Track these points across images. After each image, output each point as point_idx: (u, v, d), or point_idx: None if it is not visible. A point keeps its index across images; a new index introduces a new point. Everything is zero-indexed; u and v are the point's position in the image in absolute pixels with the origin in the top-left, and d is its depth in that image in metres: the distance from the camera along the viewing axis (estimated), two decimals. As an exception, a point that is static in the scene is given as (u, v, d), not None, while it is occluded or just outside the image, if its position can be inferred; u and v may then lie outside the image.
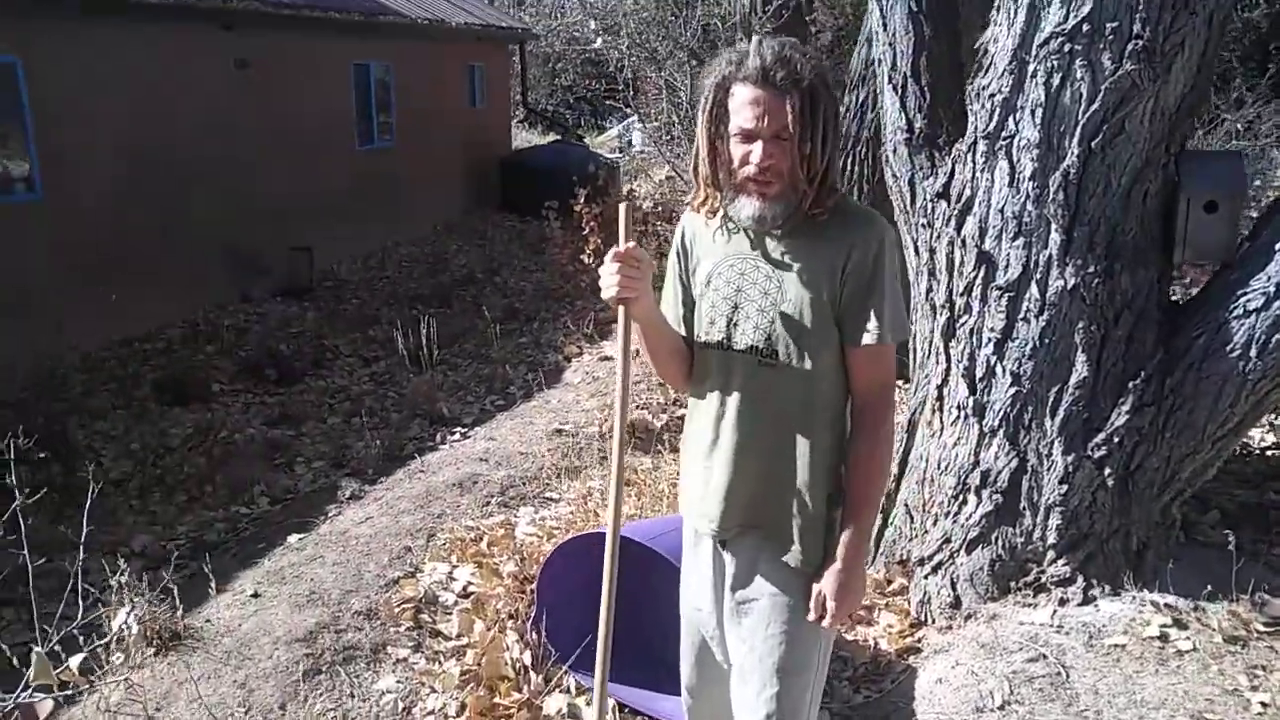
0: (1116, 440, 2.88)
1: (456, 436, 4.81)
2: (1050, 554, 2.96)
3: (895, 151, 3.74)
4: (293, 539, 3.54)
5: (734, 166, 1.75)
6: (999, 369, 2.98)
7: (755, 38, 1.76)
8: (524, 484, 3.87)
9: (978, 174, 3.05)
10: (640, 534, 2.72)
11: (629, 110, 12.07)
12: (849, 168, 6.17)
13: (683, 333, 1.94)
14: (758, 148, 1.70)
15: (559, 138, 17.28)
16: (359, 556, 3.25)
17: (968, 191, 3.09)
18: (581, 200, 8.03)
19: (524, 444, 4.41)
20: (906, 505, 3.36)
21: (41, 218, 6.65)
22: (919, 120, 3.67)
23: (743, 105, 1.71)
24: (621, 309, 1.75)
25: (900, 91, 3.75)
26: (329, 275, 9.65)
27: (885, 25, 3.82)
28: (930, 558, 3.16)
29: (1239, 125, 8.30)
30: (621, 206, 1.75)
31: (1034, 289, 2.91)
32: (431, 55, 12.76)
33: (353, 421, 5.55)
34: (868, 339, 1.78)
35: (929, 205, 3.50)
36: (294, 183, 9.45)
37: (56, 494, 4.44)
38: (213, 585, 3.09)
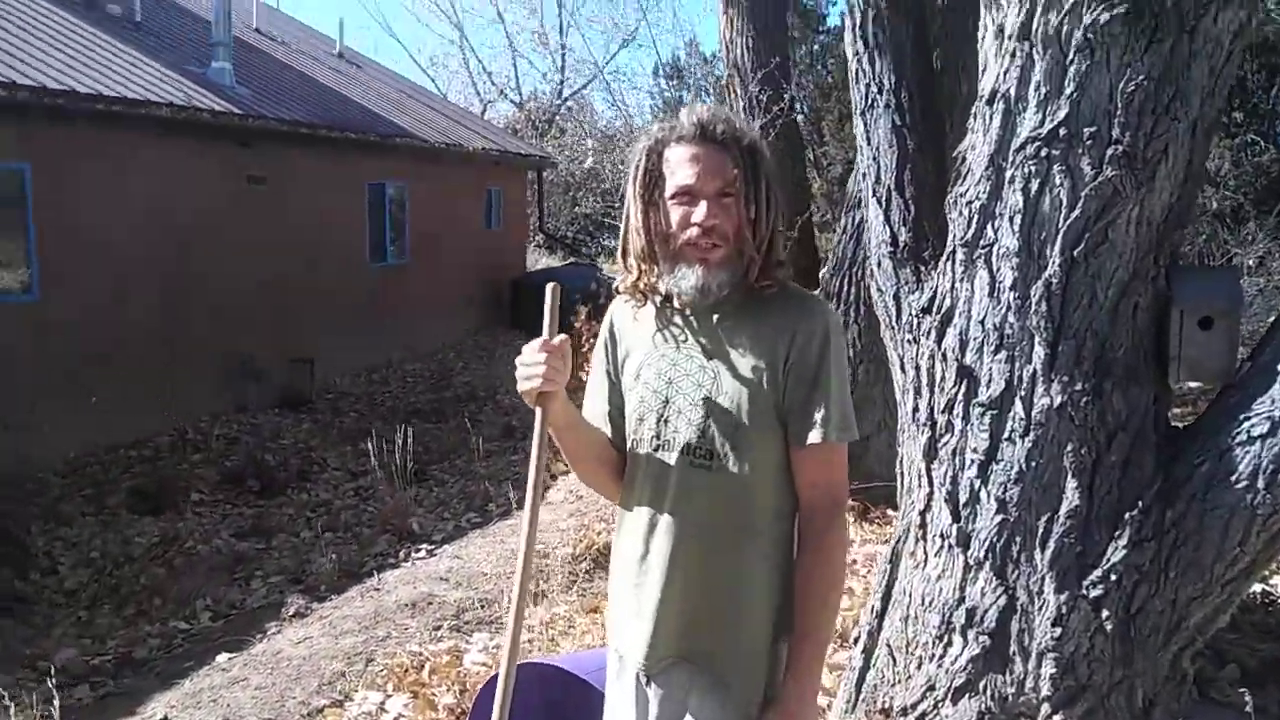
0: (1114, 578, 2.60)
1: (422, 554, 4.56)
2: (1045, 707, 2.64)
3: (880, 265, 3.61)
4: (222, 658, 3.28)
5: (673, 232, 1.59)
6: (983, 494, 2.74)
7: (686, 105, 1.63)
8: (482, 607, 3.60)
9: (957, 284, 2.89)
10: (583, 667, 2.44)
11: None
12: (844, 289, 6.05)
13: (609, 434, 1.74)
14: (700, 207, 1.55)
15: (574, 261, 17.53)
16: (286, 681, 2.97)
17: (947, 302, 2.92)
18: (581, 317, 7.95)
19: (491, 564, 4.16)
20: (889, 645, 3.06)
21: (35, 319, 6.64)
22: (903, 233, 3.56)
23: (681, 163, 1.58)
24: (539, 408, 1.56)
25: (884, 205, 3.65)
26: (330, 387, 9.57)
27: (869, 139, 3.76)
28: (914, 706, 2.84)
29: (1250, 261, 8.19)
30: (548, 289, 1.59)
31: (1018, 406, 2.69)
32: (448, 177, 13.05)
33: (325, 536, 5.31)
34: (813, 437, 1.58)
35: (914, 320, 3.34)
36: (302, 296, 9.49)
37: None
38: (125, 709, 2.81)
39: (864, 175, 3.78)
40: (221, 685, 2.93)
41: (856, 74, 3.81)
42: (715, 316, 1.64)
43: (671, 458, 1.63)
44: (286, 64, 12.09)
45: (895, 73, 3.72)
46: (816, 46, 16.12)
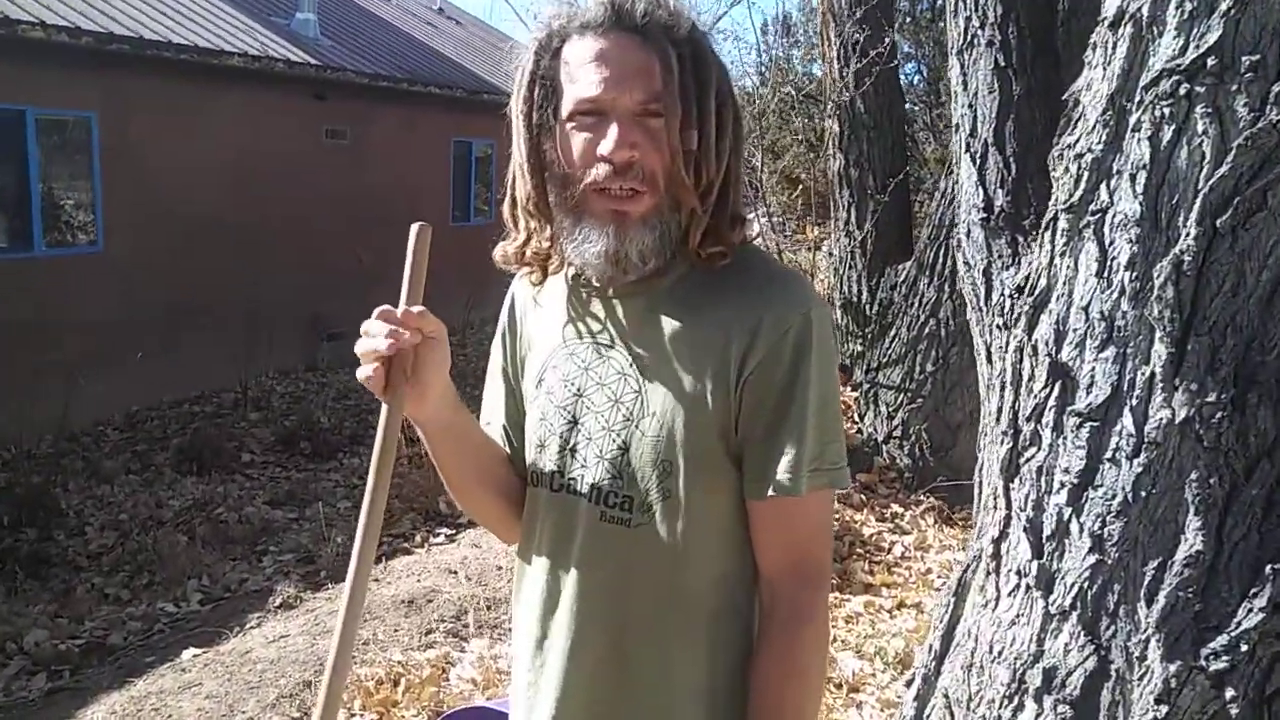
0: (1244, 648, 2.01)
1: (440, 539, 4.22)
2: (1141, 803, 2.07)
3: (969, 234, 3.05)
4: (187, 654, 3.00)
5: (572, 170, 1.09)
6: (1074, 526, 2.17)
7: None
8: (488, 608, 3.21)
9: (1056, 259, 2.31)
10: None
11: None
12: (939, 260, 5.41)
13: (508, 452, 1.28)
14: (611, 132, 1.06)
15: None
16: (242, 689, 2.65)
17: (1043, 282, 2.34)
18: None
19: (509, 557, 3.77)
20: (947, 695, 2.54)
21: (99, 270, 6.58)
22: (1000, 197, 2.99)
23: (583, 65, 1.07)
24: (386, 404, 1.08)
25: (979, 162, 3.08)
26: (407, 349, 9.39)
27: (965, 83, 3.18)
28: (973, 776, 2.31)
29: None
30: (413, 231, 1.10)
31: (1127, 419, 2.11)
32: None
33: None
34: (775, 486, 1.08)
35: (1006, 301, 2.78)
36: (380, 253, 9.28)
37: (20, 563, 4.07)
38: (66, 711, 2.53)
39: (956, 127, 3.20)
40: (171, 690, 2.65)
41: (955, 5, 3.21)
42: (643, 300, 1.14)
43: (579, 505, 1.16)
44: (379, 18, 11.91)
45: (1003, 3, 3.11)
46: (939, 2, 15.11)
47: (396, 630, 2.99)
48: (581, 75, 1.06)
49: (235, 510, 4.78)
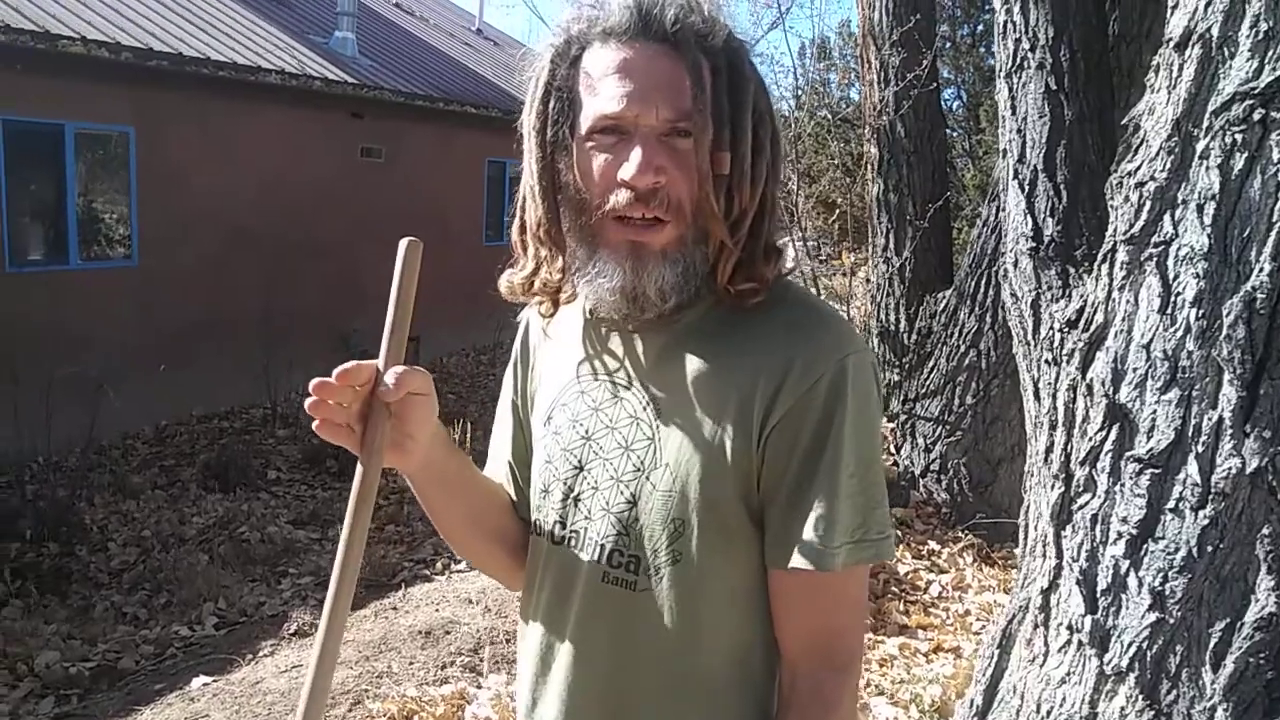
0: (1323, 721, 1.84)
1: (462, 566, 4.11)
2: None
3: (1017, 264, 2.92)
4: (197, 683, 2.91)
5: (588, 195, 0.97)
6: (1132, 580, 2.03)
7: None
8: (507, 641, 3.10)
9: (1114, 293, 2.17)
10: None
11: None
12: (979, 289, 5.25)
13: (511, 495, 1.18)
14: (634, 154, 0.92)
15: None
16: (249, 723, 2.55)
17: (1099, 317, 2.21)
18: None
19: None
20: (991, 755, 2.38)
21: (134, 284, 6.60)
22: (1050, 226, 2.86)
23: (605, 76, 0.94)
24: (361, 462, 0.93)
25: (1027, 189, 2.96)
26: (435, 367, 9.36)
27: (1014, 107, 3.06)
28: (1018, 845, 2.16)
29: None
30: (401, 247, 0.97)
31: (1192, 467, 1.97)
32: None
33: (385, 530, 4.96)
34: (801, 559, 0.94)
35: (1056, 335, 2.65)
36: (411, 272, 9.29)
37: (40, 579, 4.02)
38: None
39: (1004, 153, 3.07)
40: (176, 722, 2.56)
41: (1004, 27, 3.09)
42: (664, 337, 1.02)
43: (580, 562, 1.03)
44: (417, 37, 11.98)
45: (1055, 25, 2.99)
46: (980, 27, 14.98)
47: (412, 663, 2.88)
48: (602, 89, 0.93)
49: (258, 529, 4.72)
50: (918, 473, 5.39)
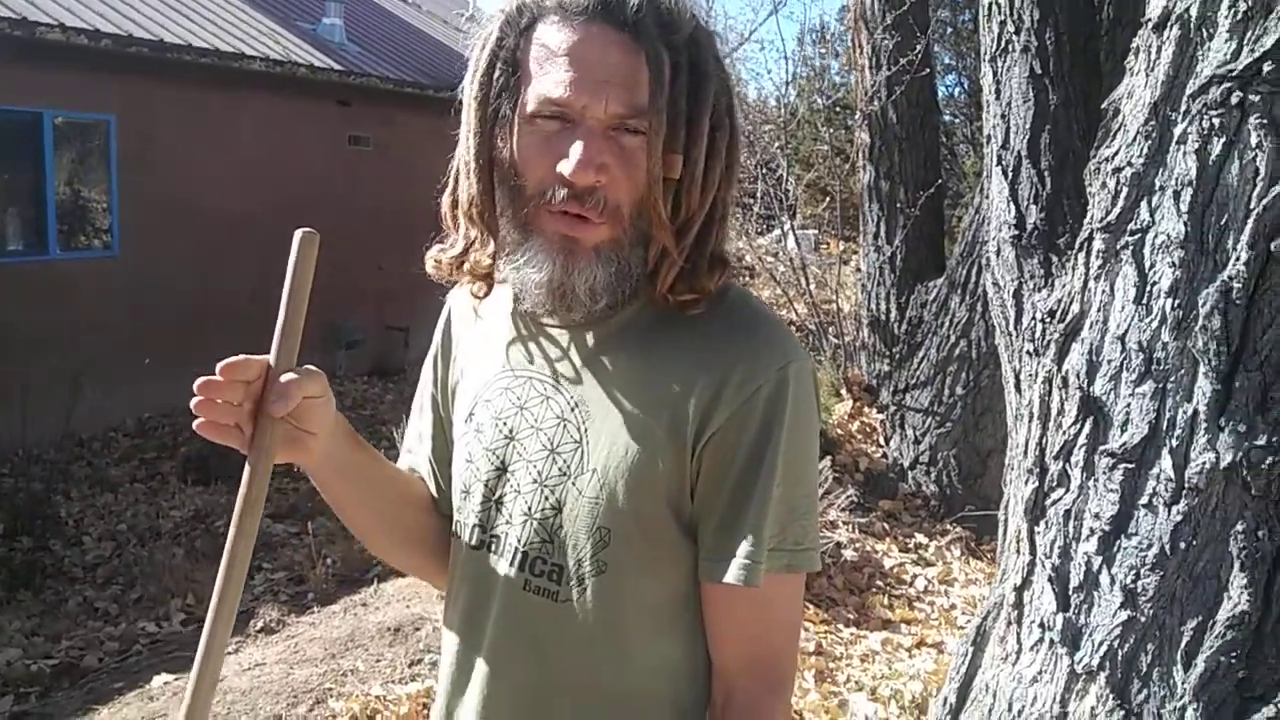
0: (1298, 723, 1.79)
1: (439, 560, 4.06)
2: None
3: (999, 253, 2.88)
4: (157, 681, 2.86)
5: (524, 183, 0.91)
6: (1104, 578, 1.98)
7: None
8: (480, 638, 3.05)
9: (1090, 282, 2.12)
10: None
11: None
12: (970, 278, 5.19)
13: (432, 492, 1.12)
14: (576, 147, 0.86)
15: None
16: (210, 722, 2.50)
17: (1075, 307, 2.15)
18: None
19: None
20: (963, 754, 2.34)
21: (115, 276, 6.53)
22: (1033, 213, 2.82)
23: (554, 56, 0.88)
24: (249, 461, 0.88)
25: (1010, 175, 2.91)
26: (424, 357, 9.31)
27: (998, 92, 3.01)
28: (990, 846, 2.12)
29: None
30: (296, 239, 0.93)
31: (1166, 462, 1.92)
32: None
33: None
34: (735, 572, 0.90)
35: (1037, 325, 2.60)
36: (401, 260, 9.22)
37: (13, 573, 3.98)
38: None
39: (988, 138, 3.02)
40: (133, 722, 2.51)
41: (990, 10, 3.04)
42: (593, 335, 0.96)
43: (500, 568, 0.98)
44: (407, 23, 11.87)
45: (1041, 7, 2.94)
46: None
47: (379, 661, 2.83)
48: (551, 70, 0.87)
49: (236, 523, 4.64)
50: (906, 465, 5.34)
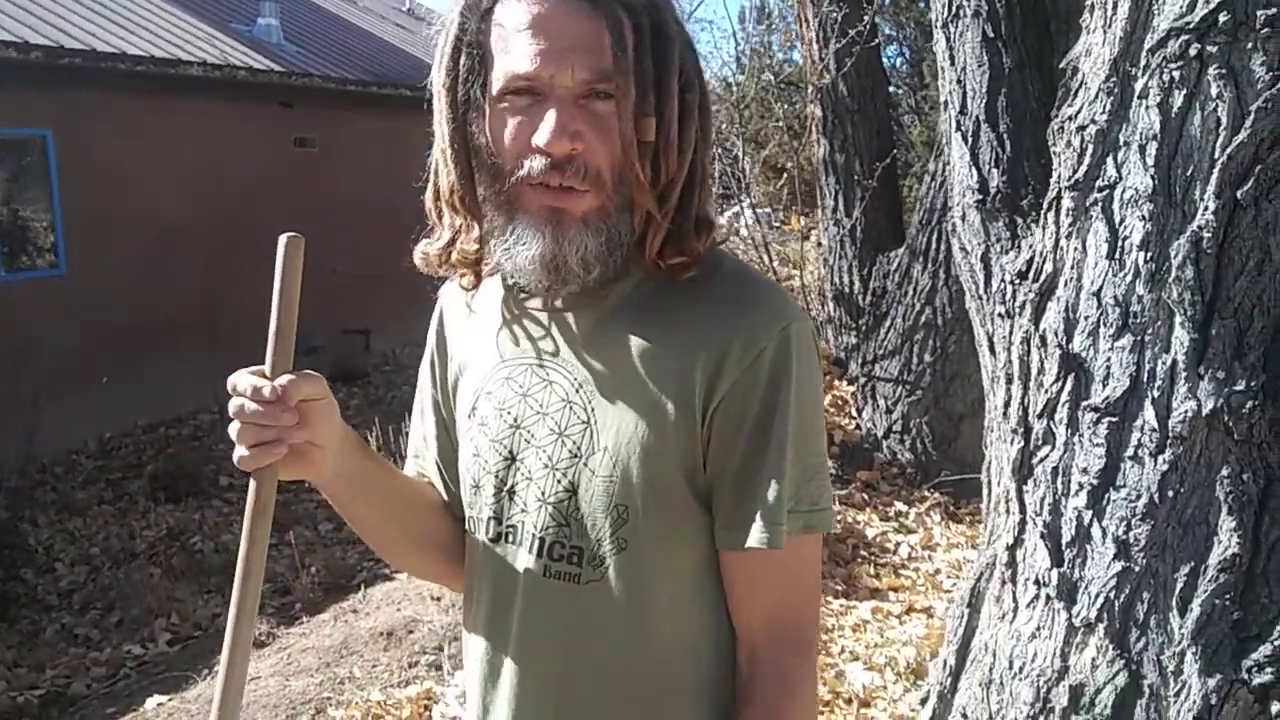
0: (1291, 658, 1.83)
1: (420, 562, 4.03)
2: (1183, 829, 1.91)
3: (965, 218, 2.90)
4: (151, 703, 2.82)
5: (502, 161, 0.90)
6: (1096, 531, 2.01)
7: None
8: (473, 636, 3.03)
9: (1062, 241, 2.14)
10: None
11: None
12: (931, 244, 5.24)
13: (443, 496, 1.11)
14: (549, 116, 0.86)
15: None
16: (208, 742, 2.46)
17: (1049, 266, 2.17)
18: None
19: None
20: (965, 714, 2.38)
21: (64, 295, 6.37)
22: (995, 177, 2.84)
23: (517, 31, 0.87)
24: (254, 479, 0.89)
25: (971, 140, 2.93)
26: (388, 359, 9.20)
27: (953, 58, 3.02)
28: (997, 801, 2.15)
29: None
30: (281, 244, 0.91)
31: (1149, 413, 1.95)
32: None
33: (343, 530, 4.85)
34: (756, 536, 0.90)
35: (1008, 288, 2.63)
36: (355, 262, 9.10)
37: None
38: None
39: (945, 105, 3.05)
40: (131, 745, 2.47)
41: (938, -24, 3.05)
42: (592, 313, 0.96)
43: (519, 558, 0.98)
44: (346, 20, 11.68)
45: (989, -31, 2.96)
46: (920, -19, 15.03)
47: (375, 666, 2.81)
48: (515, 45, 0.86)
49: (211, 539, 4.59)
50: (880, 435, 5.39)
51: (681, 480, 0.92)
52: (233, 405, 0.89)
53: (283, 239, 0.88)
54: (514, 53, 0.87)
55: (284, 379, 0.87)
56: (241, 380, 0.88)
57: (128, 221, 6.75)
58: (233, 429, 0.89)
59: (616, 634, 0.94)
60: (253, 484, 0.88)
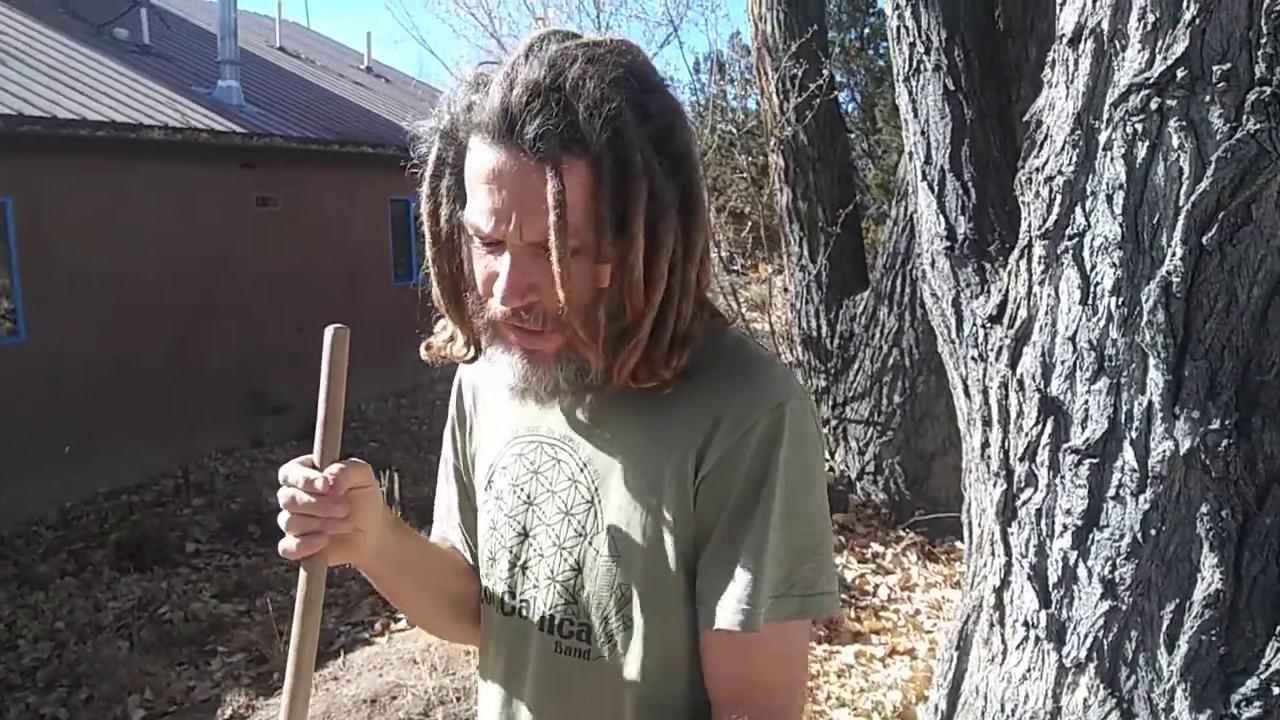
0: (1278, 691, 1.87)
1: (402, 625, 3.96)
2: None
3: (934, 265, 2.96)
4: None
5: (480, 292, 0.93)
6: (1082, 571, 2.04)
7: (526, 39, 0.89)
8: (458, 699, 2.98)
9: (1035, 287, 2.20)
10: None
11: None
12: (896, 288, 5.33)
13: (467, 556, 1.12)
14: (504, 272, 0.87)
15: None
16: (191, 824, 2.38)
17: (1023, 312, 2.23)
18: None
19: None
20: (960, 760, 2.37)
21: (24, 363, 6.24)
22: (962, 224, 2.91)
23: (478, 184, 0.87)
24: (304, 568, 0.91)
25: (937, 189, 3.00)
26: (355, 415, 9.09)
27: (916, 110, 3.11)
28: None
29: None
30: (328, 336, 0.92)
31: (1128, 453, 1.99)
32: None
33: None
34: (727, 618, 0.89)
35: (980, 332, 2.68)
36: (320, 320, 9.03)
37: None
38: None
39: (910, 155, 3.13)
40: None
41: (898, 32, 3.16)
42: (593, 397, 0.97)
43: (531, 634, 1.00)
44: (306, 80, 11.72)
45: (946, 27, 3.08)
46: (867, 30, 15.47)
47: (360, 736, 2.76)
48: (476, 196, 0.87)
49: (180, 608, 4.46)
50: (854, 476, 5.43)
51: (681, 559, 0.92)
52: (283, 496, 0.89)
53: (329, 331, 0.90)
54: (475, 205, 0.88)
55: (334, 469, 0.88)
56: (293, 472, 0.89)
57: (89, 287, 6.66)
58: (282, 519, 0.89)
59: (625, 708, 0.95)
60: (303, 574, 0.89)
